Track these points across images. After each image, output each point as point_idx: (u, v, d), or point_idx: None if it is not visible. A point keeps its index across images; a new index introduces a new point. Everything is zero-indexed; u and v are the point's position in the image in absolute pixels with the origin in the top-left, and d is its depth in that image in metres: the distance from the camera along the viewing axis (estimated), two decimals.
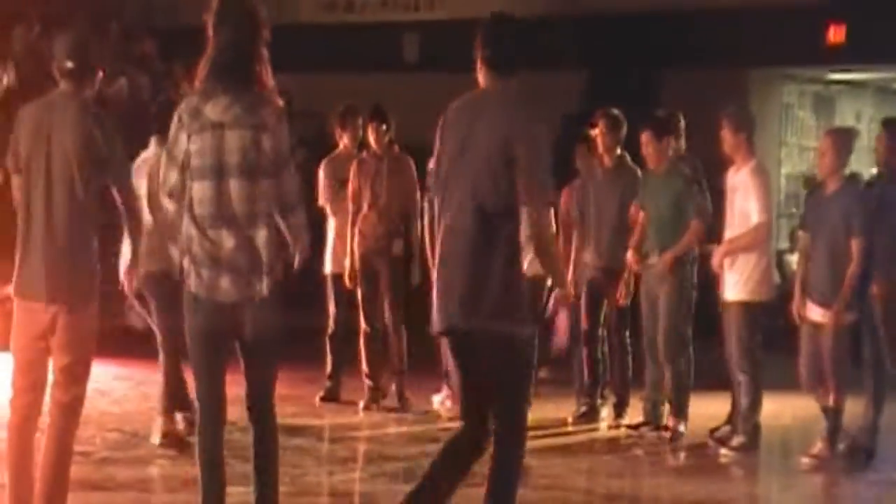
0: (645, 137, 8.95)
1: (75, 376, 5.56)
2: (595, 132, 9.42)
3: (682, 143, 9.34)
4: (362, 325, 9.64)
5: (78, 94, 5.61)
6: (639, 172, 9.30)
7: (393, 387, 9.69)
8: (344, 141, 9.96)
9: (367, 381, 9.64)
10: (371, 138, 9.65)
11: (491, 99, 5.35)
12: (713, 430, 8.79)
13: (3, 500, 5.60)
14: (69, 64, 5.59)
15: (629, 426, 9.10)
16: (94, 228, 5.57)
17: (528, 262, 5.59)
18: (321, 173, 9.91)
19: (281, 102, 5.27)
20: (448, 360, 7.34)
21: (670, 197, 8.80)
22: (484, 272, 5.20)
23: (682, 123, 9.35)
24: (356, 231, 9.53)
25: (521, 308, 5.30)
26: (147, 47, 16.60)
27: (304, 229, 5.31)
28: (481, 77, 5.40)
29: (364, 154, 9.72)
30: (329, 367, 9.85)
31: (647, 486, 8.10)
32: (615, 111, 9.39)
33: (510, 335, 5.25)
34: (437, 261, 5.39)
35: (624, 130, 9.36)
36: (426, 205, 5.61)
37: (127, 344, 10.39)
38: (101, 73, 5.71)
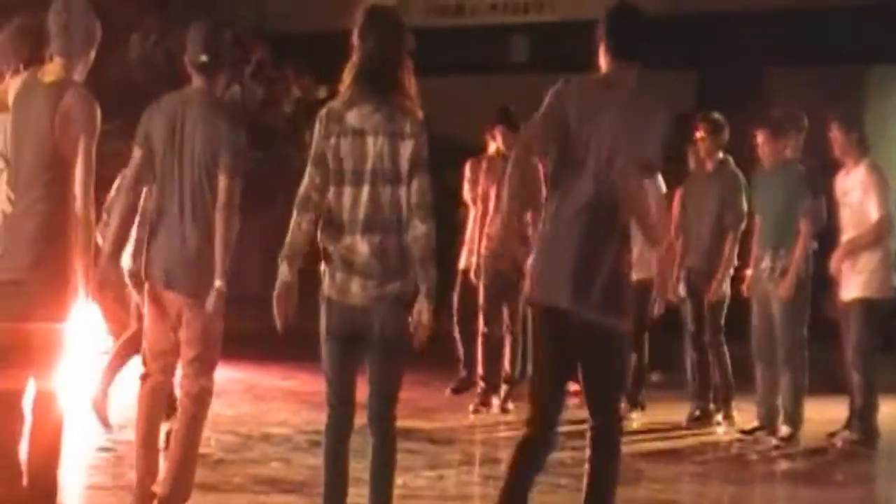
0: (761, 136, 8.85)
1: (200, 368, 5.73)
2: (697, 136, 9.36)
3: (801, 141, 9.19)
4: (481, 326, 9.70)
5: (210, 89, 5.72)
6: (740, 177, 9.24)
7: (502, 392, 9.71)
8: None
9: (481, 384, 9.68)
10: (499, 140, 9.70)
11: (615, 88, 5.33)
12: (831, 435, 8.65)
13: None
14: (203, 57, 5.68)
15: (742, 431, 8.98)
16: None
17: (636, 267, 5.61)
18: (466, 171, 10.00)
19: (421, 112, 5.30)
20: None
21: (783, 196, 8.68)
22: (596, 262, 5.19)
23: (805, 122, 9.14)
24: (483, 233, 9.60)
25: (626, 302, 5.32)
26: (260, 54, 16.80)
27: (429, 239, 5.27)
28: (604, 66, 5.38)
29: (491, 155, 9.81)
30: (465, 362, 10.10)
31: (761, 491, 7.98)
32: (716, 114, 9.33)
33: (613, 328, 5.25)
34: (547, 241, 5.33)
35: (726, 134, 9.30)
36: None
37: (241, 346, 10.51)
38: (230, 69, 5.79)
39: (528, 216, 9.25)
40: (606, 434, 5.30)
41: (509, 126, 9.55)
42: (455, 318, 10.21)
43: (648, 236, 5.47)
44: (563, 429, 5.43)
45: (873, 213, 8.34)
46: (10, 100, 5.66)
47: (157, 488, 5.76)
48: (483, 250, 9.65)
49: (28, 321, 5.51)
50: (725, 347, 9.32)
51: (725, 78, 15.24)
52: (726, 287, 9.24)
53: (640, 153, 5.24)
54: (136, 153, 5.78)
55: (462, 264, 10.01)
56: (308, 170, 5.32)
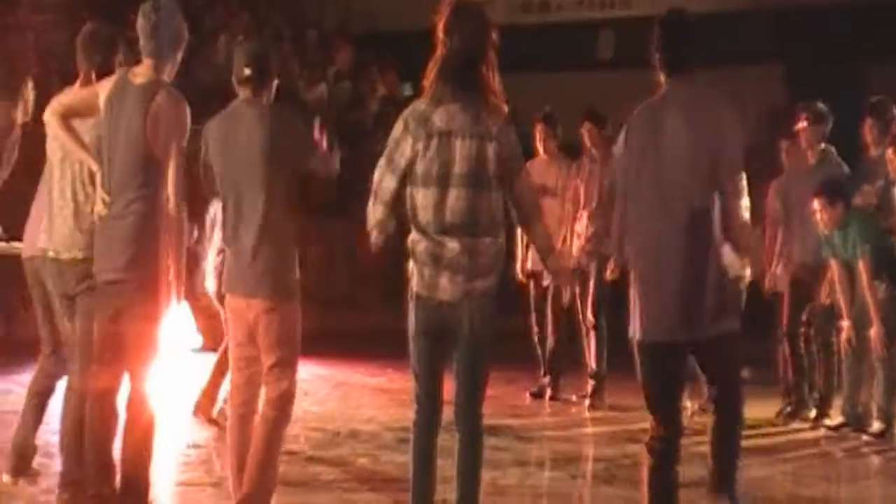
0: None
1: (280, 373, 5.72)
2: (798, 127, 9.22)
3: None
4: (589, 318, 9.77)
5: (256, 101, 5.75)
6: (844, 168, 9.07)
7: (589, 387, 9.77)
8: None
9: (592, 381, 9.81)
10: (587, 140, 9.74)
11: (675, 104, 5.30)
12: None
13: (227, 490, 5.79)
14: (247, 71, 5.75)
15: (829, 427, 8.90)
16: (293, 227, 5.72)
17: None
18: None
19: (506, 108, 5.30)
20: None
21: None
22: (700, 279, 5.21)
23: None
24: (573, 232, 9.69)
25: (733, 304, 5.38)
26: (346, 54, 16.91)
27: (546, 237, 5.45)
28: (662, 80, 5.38)
29: (582, 156, 9.90)
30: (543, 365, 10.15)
31: (850, 489, 7.84)
32: (819, 105, 9.17)
33: (728, 333, 5.32)
34: (642, 270, 5.35)
35: (829, 124, 9.14)
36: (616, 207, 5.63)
37: (328, 344, 10.60)
38: (277, 81, 5.84)
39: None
40: (731, 403, 5.49)
41: (596, 124, 9.66)
42: (534, 320, 10.19)
43: (740, 245, 5.36)
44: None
45: None
46: (102, 102, 5.78)
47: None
48: (577, 249, 9.70)
49: (123, 321, 5.63)
50: (834, 348, 9.14)
51: (818, 71, 15.05)
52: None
53: (718, 163, 5.21)
54: (200, 171, 5.84)
55: (529, 266, 9.96)
56: (378, 168, 5.30)
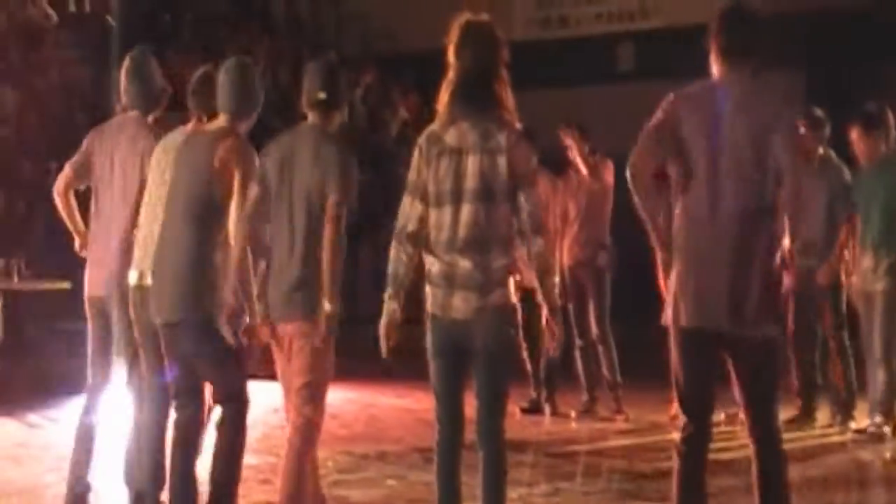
0: (855, 133, 8.76)
1: (306, 398, 5.74)
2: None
3: (893, 137, 8.98)
4: (576, 340, 9.70)
5: (324, 126, 5.79)
6: (846, 171, 9.08)
7: (612, 400, 9.79)
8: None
9: (585, 396, 9.81)
10: (573, 152, 9.76)
11: (731, 91, 5.18)
12: None
13: None
14: (321, 95, 5.76)
15: (857, 430, 8.90)
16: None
17: None
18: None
19: (519, 124, 5.29)
20: None
21: (884, 193, 8.55)
22: (748, 274, 5.08)
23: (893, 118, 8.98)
24: (562, 248, 9.71)
25: (779, 308, 5.29)
26: (368, 76, 16.93)
27: (544, 256, 5.30)
28: (717, 69, 5.25)
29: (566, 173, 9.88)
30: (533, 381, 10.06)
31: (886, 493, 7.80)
32: (817, 110, 9.21)
33: (771, 338, 5.19)
34: (688, 260, 5.17)
35: (827, 129, 9.18)
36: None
37: (355, 366, 10.59)
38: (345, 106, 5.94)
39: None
40: (770, 441, 5.23)
41: (581, 136, 9.68)
42: (524, 335, 10.10)
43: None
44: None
45: None
46: (174, 145, 5.98)
47: None
48: (565, 265, 9.70)
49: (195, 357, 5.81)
50: (850, 349, 9.15)
51: (837, 77, 15.00)
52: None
53: (774, 154, 5.06)
54: (253, 190, 5.82)
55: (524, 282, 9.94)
56: (404, 199, 5.34)
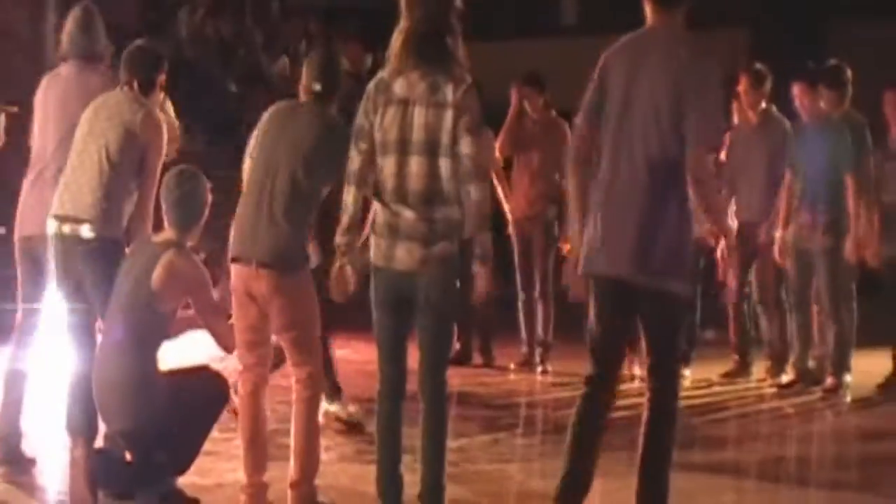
0: (798, 89, 8.84)
1: (301, 351, 5.75)
2: (740, 88, 9.32)
3: (847, 96, 9.02)
4: (519, 293, 9.76)
5: (323, 110, 5.82)
6: (787, 125, 9.18)
7: (537, 356, 9.82)
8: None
9: (524, 348, 9.87)
10: (526, 104, 9.73)
11: (657, 38, 5.20)
12: (881, 386, 8.70)
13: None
14: (317, 87, 5.82)
15: (780, 385, 9.06)
16: (310, 212, 5.70)
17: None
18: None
19: (469, 77, 5.28)
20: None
21: (825, 151, 8.64)
22: (655, 227, 5.09)
23: (848, 75, 8.99)
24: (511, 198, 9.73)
25: (687, 266, 5.24)
26: (311, 26, 16.82)
27: (480, 205, 5.22)
28: (648, 16, 5.25)
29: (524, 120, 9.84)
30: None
31: (813, 446, 7.91)
32: (758, 66, 9.28)
33: (676, 294, 5.18)
34: (600, 209, 5.20)
35: (768, 85, 9.26)
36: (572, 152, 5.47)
37: None
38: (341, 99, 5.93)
39: (557, 177, 9.41)
40: (664, 398, 5.26)
41: (536, 89, 9.68)
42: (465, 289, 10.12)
43: (709, 204, 5.28)
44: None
45: None
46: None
47: (291, 474, 5.79)
48: (513, 216, 9.73)
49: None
50: (786, 305, 9.27)
51: (781, 35, 15.07)
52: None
53: (696, 112, 5.01)
54: (247, 163, 5.83)
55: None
56: (351, 146, 5.36)
